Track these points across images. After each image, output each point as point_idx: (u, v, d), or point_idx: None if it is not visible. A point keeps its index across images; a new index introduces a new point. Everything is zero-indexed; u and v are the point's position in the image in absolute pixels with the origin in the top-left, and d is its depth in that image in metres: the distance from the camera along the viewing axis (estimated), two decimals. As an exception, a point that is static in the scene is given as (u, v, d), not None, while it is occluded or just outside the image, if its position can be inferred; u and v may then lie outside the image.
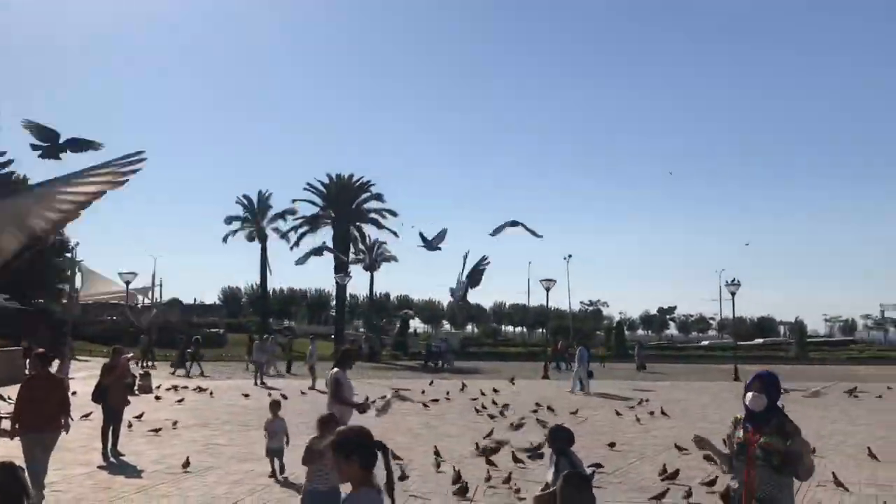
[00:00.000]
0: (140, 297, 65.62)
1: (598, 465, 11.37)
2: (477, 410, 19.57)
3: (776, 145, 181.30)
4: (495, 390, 24.99)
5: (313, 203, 54.70)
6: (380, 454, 3.62)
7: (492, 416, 18.43)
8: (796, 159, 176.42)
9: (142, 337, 39.94)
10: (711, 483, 10.47)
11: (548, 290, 37.93)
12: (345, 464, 3.66)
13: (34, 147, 5.80)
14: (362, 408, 10.08)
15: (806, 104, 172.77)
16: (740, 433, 5.42)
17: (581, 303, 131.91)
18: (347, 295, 61.00)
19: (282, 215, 58.38)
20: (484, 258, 13.87)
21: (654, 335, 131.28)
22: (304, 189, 54.57)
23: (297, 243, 54.25)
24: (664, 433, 16.26)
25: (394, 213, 54.96)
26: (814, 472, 5.67)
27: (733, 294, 39.28)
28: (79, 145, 6.06)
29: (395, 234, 55.84)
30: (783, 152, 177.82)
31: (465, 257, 13.67)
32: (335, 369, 10.09)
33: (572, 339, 42.48)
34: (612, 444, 14.05)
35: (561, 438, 7.41)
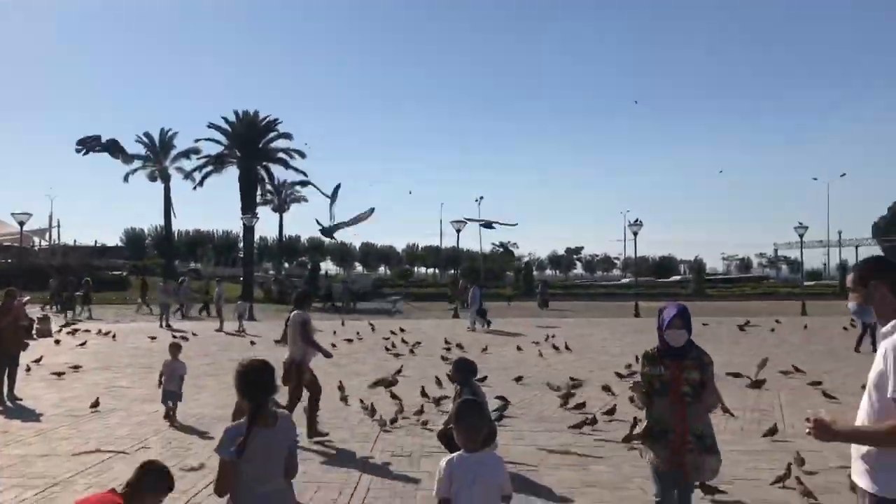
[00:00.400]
0: (36, 240, 62.81)
1: (504, 399, 11.77)
2: (387, 349, 19.80)
3: (678, 89, 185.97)
4: (402, 329, 25.30)
5: (218, 142, 53.10)
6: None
7: (397, 355, 18.72)
8: (699, 102, 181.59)
9: (51, 281, 38.54)
10: (611, 412, 11.01)
11: (458, 231, 38.28)
12: (238, 395, 3.87)
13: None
14: (328, 353, 10.12)
15: (706, 40, 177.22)
16: (661, 370, 5.19)
17: (492, 244, 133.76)
18: (256, 237, 59.89)
19: (185, 154, 56.55)
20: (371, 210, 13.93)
21: (561, 275, 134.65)
22: (208, 127, 52.86)
23: (200, 183, 52.80)
24: (566, 367, 16.86)
25: (302, 154, 53.98)
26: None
27: (636, 234, 40.54)
28: (111, 149, 5.95)
29: (304, 174, 54.98)
30: (685, 96, 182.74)
31: (336, 190, 13.75)
32: (296, 311, 10.00)
33: (466, 280, 42.78)
34: (518, 378, 14.51)
35: (464, 370, 7.70)
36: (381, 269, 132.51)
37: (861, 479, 3.43)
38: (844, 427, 3.49)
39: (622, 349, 20.71)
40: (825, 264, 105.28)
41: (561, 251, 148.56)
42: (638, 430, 5.91)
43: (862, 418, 3.49)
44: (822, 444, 4.92)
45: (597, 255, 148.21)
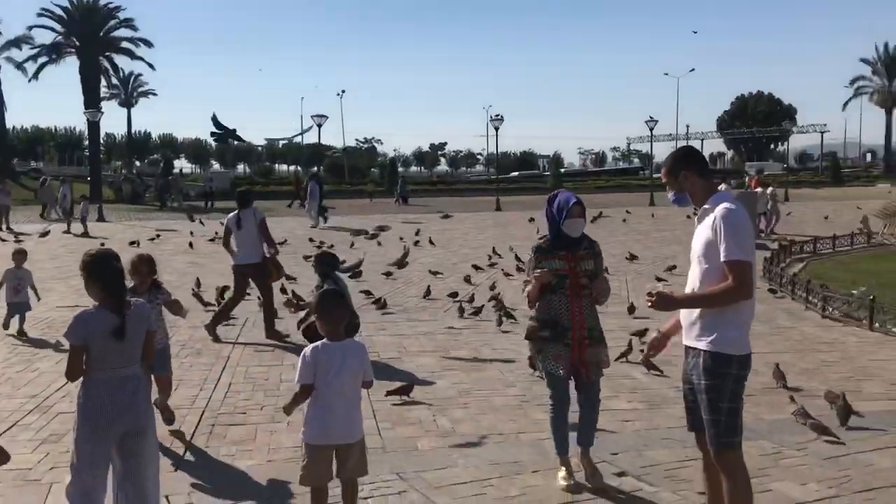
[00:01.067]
0: None
1: (368, 293, 11.94)
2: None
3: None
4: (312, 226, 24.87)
5: (53, 30, 48.72)
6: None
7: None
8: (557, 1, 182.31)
9: None
10: (471, 300, 11.42)
11: (320, 126, 37.43)
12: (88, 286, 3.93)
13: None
14: (275, 250, 9.96)
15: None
16: (557, 263, 4.78)
17: (356, 140, 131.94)
18: (102, 133, 56.23)
19: (16, 43, 51.65)
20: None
21: (426, 171, 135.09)
22: (39, 15, 48.29)
23: (35, 75, 48.65)
24: (429, 260, 17.17)
25: (148, 43, 50.55)
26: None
27: (497, 129, 41.00)
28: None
29: (151, 66, 51.68)
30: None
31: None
32: (245, 210, 9.64)
33: (306, 175, 41.44)
34: (387, 274, 14.69)
35: (326, 263, 7.76)
36: (240, 167, 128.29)
37: (695, 341, 3.75)
38: (682, 296, 3.82)
39: (481, 242, 21.26)
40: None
41: (426, 147, 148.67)
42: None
43: (693, 286, 3.80)
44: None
45: (460, 151, 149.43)
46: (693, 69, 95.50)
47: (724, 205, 3.70)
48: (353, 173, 72.48)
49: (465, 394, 6.98)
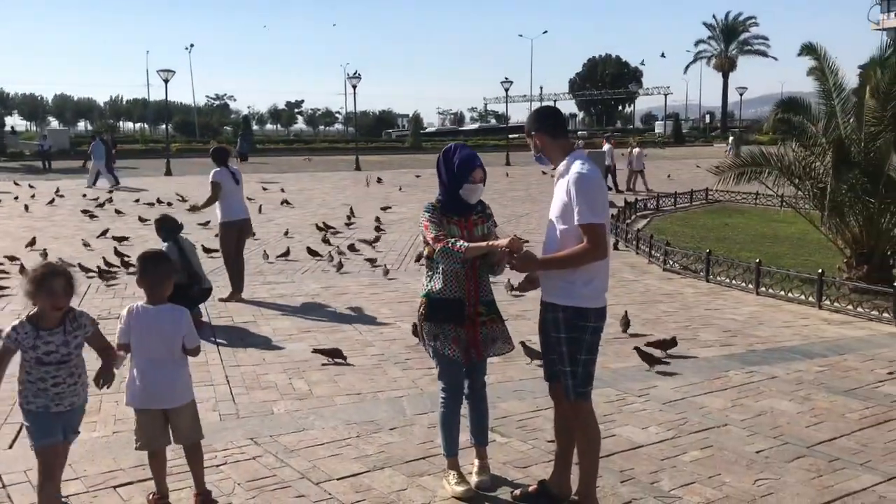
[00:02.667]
0: None
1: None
2: (84, 211, 18.23)
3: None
4: (110, 191, 23.52)
5: None
6: None
7: (92, 216, 17.50)
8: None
9: None
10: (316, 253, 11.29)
11: (166, 81, 35.48)
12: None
13: None
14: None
15: None
16: (451, 230, 4.12)
17: (207, 97, 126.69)
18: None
19: None
20: None
21: (282, 129, 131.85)
22: None
23: None
24: (286, 220, 16.81)
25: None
26: None
27: (355, 87, 40.45)
28: None
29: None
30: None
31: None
32: (220, 168, 9.32)
33: (106, 134, 38.78)
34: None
35: (167, 228, 7.48)
36: (81, 125, 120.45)
37: (553, 297, 3.86)
38: (542, 257, 3.89)
39: (340, 201, 21.05)
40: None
41: (281, 105, 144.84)
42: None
43: (551, 245, 3.89)
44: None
45: (318, 110, 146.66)
46: (546, 31, 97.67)
47: (577, 168, 3.78)
48: (205, 131, 69.66)
49: (322, 356, 6.91)
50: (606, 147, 25.65)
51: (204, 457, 4.20)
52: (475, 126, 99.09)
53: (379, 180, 28.02)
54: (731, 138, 43.58)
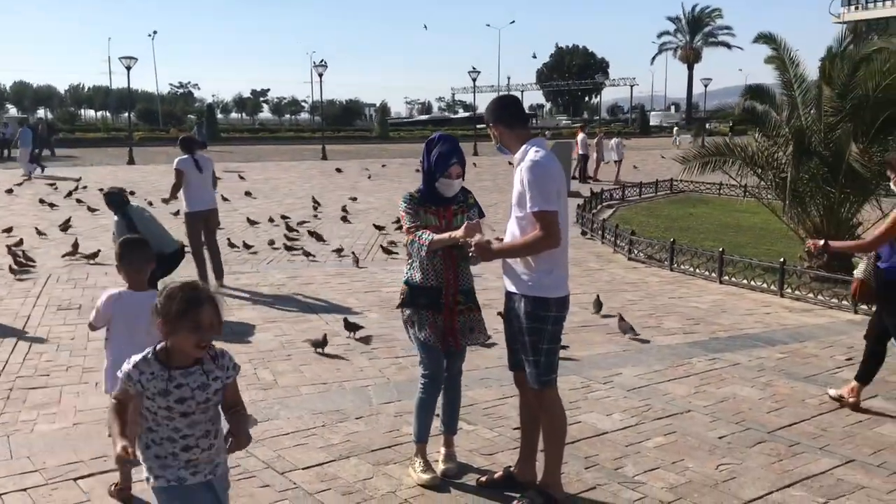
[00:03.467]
0: None
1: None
2: (42, 201, 17.85)
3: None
4: (78, 178, 23.09)
5: None
6: None
7: (52, 206, 17.18)
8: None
9: None
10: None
11: (129, 69, 34.84)
12: None
13: None
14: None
15: None
16: (430, 219, 4.17)
17: (170, 85, 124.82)
18: None
19: None
20: None
21: (248, 118, 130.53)
22: None
23: None
24: (250, 210, 16.63)
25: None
26: None
27: (321, 76, 40.12)
28: None
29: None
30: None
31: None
32: (185, 156, 9.19)
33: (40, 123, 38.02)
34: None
35: (115, 202, 7.33)
36: (41, 113, 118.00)
37: (515, 286, 3.87)
38: (498, 245, 3.88)
39: (307, 191, 20.90)
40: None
41: (247, 93, 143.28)
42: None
43: (513, 235, 3.88)
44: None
45: (284, 98, 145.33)
46: (513, 21, 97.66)
47: (530, 156, 3.79)
48: (169, 119, 68.67)
49: (288, 345, 6.85)
50: (581, 137, 25.82)
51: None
52: (427, 116, 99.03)
53: (339, 170, 27.91)
54: (675, 129, 44.27)
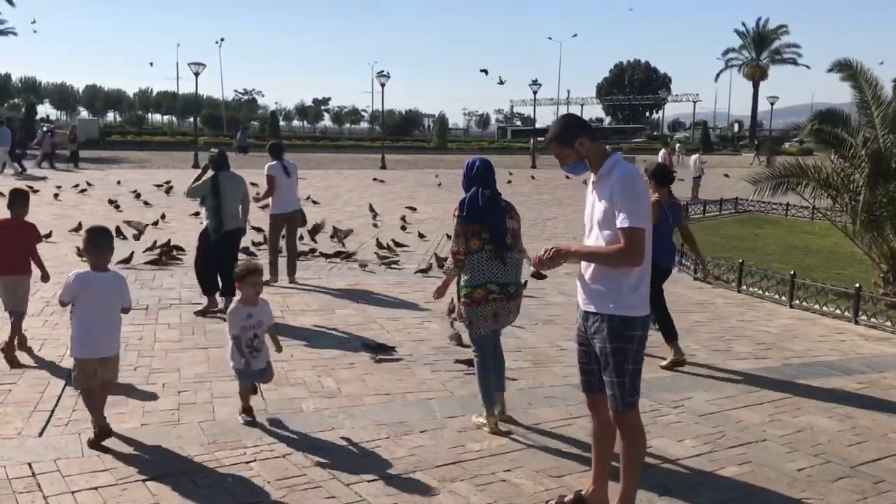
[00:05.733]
0: None
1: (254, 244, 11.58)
2: (110, 201, 18.32)
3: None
4: (118, 182, 23.68)
5: None
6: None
7: (118, 207, 17.56)
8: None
9: None
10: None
11: (197, 75, 35.67)
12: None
13: None
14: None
15: None
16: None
17: (235, 91, 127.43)
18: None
19: None
20: None
21: (308, 126, 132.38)
22: None
23: None
24: (312, 217, 16.75)
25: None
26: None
27: (383, 86, 40.45)
28: None
29: (9, 2, 47.78)
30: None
31: None
32: (275, 162, 9.79)
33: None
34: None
35: (213, 161, 8.11)
36: (110, 116, 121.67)
37: (596, 305, 3.72)
38: (579, 247, 3.79)
39: (366, 199, 21.01)
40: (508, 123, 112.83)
41: (308, 101, 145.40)
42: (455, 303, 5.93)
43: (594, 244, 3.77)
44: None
45: (345, 107, 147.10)
46: (575, 35, 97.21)
47: (621, 171, 3.68)
48: (232, 125, 70.05)
49: (350, 353, 6.84)
50: (661, 154, 25.53)
51: (234, 453, 4.16)
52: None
53: (381, 180, 28.10)
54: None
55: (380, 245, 12.88)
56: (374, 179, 28.32)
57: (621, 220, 3.59)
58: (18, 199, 6.58)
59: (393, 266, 11.41)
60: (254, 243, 12.38)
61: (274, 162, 9.79)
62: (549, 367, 6.59)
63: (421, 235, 14.41)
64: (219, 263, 8.22)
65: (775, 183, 10.28)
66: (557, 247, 3.75)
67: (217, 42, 68.16)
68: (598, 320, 3.73)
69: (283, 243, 10.21)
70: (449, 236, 8.11)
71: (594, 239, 3.78)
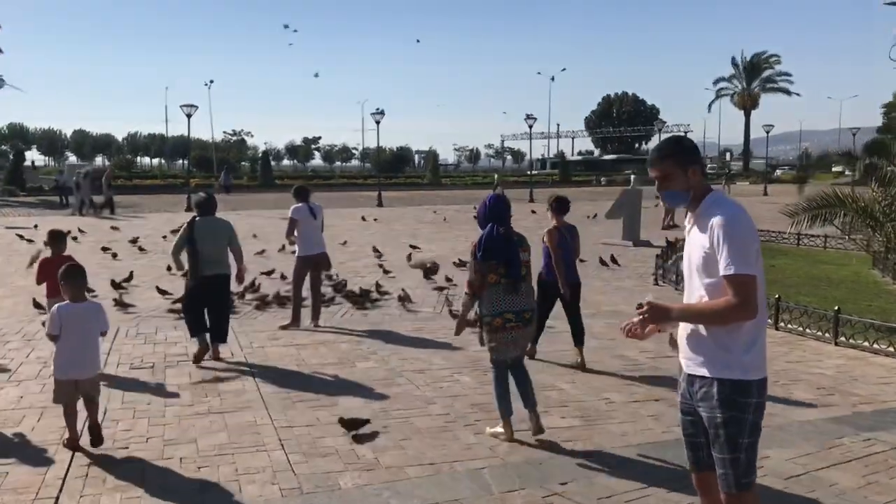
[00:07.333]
0: None
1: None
2: (104, 249, 17.70)
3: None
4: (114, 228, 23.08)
5: None
6: None
7: (115, 256, 16.97)
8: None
9: None
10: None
11: (189, 116, 35.26)
12: None
13: None
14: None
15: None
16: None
17: (224, 132, 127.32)
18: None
19: None
20: None
21: (300, 165, 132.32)
22: None
23: None
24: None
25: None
26: None
27: (378, 123, 40.12)
28: None
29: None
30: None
31: None
32: (300, 205, 9.69)
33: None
34: (268, 273, 13.65)
35: (197, 204, 8.11)
36: (98, 160, 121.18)
37: (705, 367, 3.17)
38: (678, 306, 3.23)
39: (367, 240, 20.45)
40: (543, 155, 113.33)
41: (298, 141, 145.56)
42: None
43: (694, 297, 3.25)
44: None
45: (335, 146, 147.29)
46: (564, 69, 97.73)
47: (725, 209, 3.15)
48: (222, 167, 69.71)
49: (382, 414, 6.21)
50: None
51: None
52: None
53: (373, 219, 27.65)
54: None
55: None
56: (371, 219, 27.79)
57: (725, 267, 3.04)
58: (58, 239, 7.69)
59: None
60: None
61: (300, 205, 9.67)
62: (602, 425, 5.98)
63: (448, 280, 13.53)
64: (207, 309, 8.10)
65: (812, 214, 9.80)
66: (654, 306, 3.18)
67: (206, 84, 68.11)
68: (706, 385, 3.16)
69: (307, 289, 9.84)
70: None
71: (696, 287, 3.23)
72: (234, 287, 8.68)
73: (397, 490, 4.73)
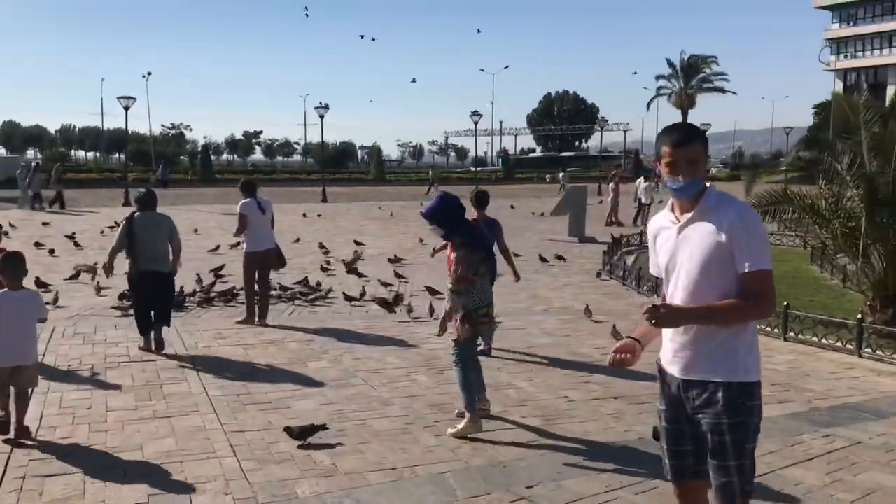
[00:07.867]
0: None
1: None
2: (37, 245, 17.01)
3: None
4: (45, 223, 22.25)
5: None
6: None
7: (51, 252, 16.34)
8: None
9: None
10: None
11: (127, 109, 34.18)
12: None
13: None
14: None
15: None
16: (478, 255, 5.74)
17: (163, 126, 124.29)
18: None
19: None
20: None
21: (240, 159, 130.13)
22: None
23: None
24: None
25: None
26: None
27: (322, 117, 39.59)
28: None
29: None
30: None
31: None
32: (248, 200, 9.44)
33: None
34: (217, 271, 13.23)
35: (138, 200, 7.99)
36: (30, 153, 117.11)
37: (708, 372, 2.99)
38: (691, 307, 2.99)
39: (315, 236, 20.12)
40: (486, 152, 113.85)
41: (239, 135, 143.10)
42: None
43: (698, 299, 3.00)
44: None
45: (277, 140, 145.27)
46: (507, 66, 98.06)
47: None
48: (161, 161, 68.07)
49: (338, 417, 5.98)
50: (644, 185, 25.32)
51: None
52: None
53: (316, 214, 27.33)
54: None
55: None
56: (315, 215, 27.34)
57: (754, 263, 2.88)
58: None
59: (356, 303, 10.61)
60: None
61: (247, 199, 9.43)
62: (563, 424, 5.87)
63: (398, 276, 13.37)
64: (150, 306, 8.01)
65: (762, 211, 9.87)
66: (670, 307, 2.96)
67: (144, 76, 66.28)
68: (709, 391, 2.99)
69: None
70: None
71: (698, 286, 2.98)
72: (188, 288, 8.43)
73: (358, 498, 4.51)
